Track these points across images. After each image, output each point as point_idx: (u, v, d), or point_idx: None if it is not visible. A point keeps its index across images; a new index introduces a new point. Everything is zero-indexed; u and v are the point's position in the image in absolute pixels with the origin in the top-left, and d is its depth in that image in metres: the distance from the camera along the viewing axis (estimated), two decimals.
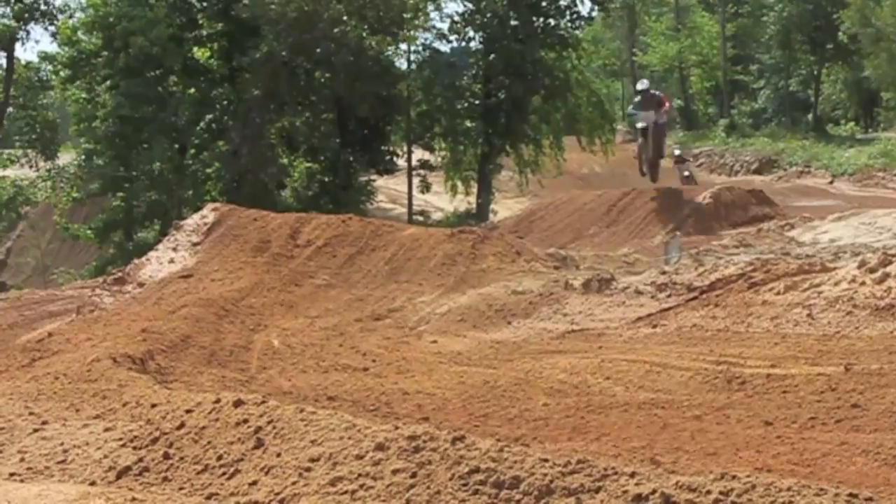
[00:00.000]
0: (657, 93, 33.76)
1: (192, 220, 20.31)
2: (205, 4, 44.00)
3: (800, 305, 12.92)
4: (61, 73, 44.77)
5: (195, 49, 43.35)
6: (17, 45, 46.57)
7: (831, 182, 47.99)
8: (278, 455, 5.65)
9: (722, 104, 70.60)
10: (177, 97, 42.72)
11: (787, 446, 7.35)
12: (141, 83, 40.67)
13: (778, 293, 13.49)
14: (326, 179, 42.42)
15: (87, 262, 43.64)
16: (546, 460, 4.90)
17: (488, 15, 46.83)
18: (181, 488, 5.76)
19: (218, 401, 6.44)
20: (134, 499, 5.50)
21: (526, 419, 8.71)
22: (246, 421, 6.07)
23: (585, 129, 49.93)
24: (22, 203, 48.11)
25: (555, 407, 9.12)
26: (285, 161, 43.77)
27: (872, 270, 13.02)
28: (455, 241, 18.67)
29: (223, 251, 18.65)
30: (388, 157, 46.36)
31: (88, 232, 42.81)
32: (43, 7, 46.35)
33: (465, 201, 47.20)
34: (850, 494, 4.43)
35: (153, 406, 7.11)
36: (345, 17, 41.64)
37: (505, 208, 45.27)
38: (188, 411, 6.50)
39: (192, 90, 43.02)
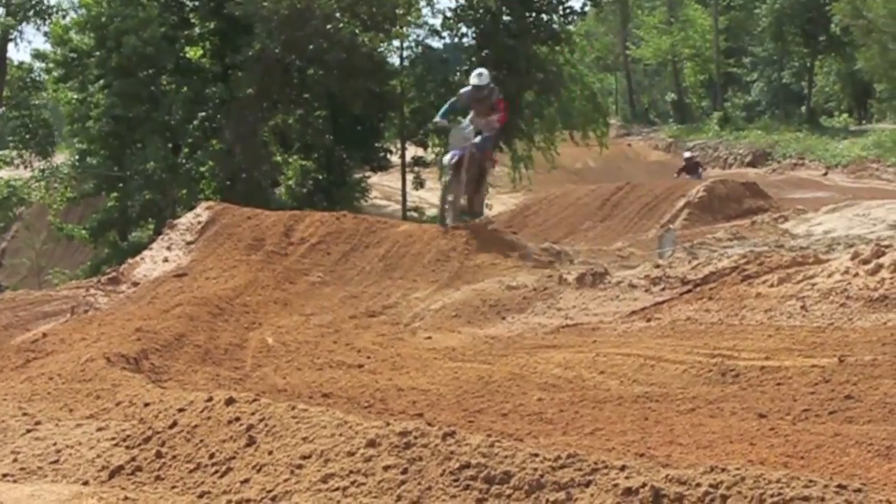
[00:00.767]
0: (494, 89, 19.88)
1: (186, 219, 20.29)
2: (197, 3, 44.03)
3: (793, 297, 12.94)
4: (53, 74, 44.76)
5: (187, 48, 43.34)
6: (10, 46, 46.54)
7: (825, 174, 48.05)
8: (270, 453, 5.65)
9: (715, 97, 70.68)
10: (170, 96, 42.71)
11: (781, 438, 7.35)
12: (134, 82, 40.71)
13: (772, 285, 13.50)
14: (320, 177, 42.43)
15: (82, 263, 43.66)
16: (536, 455, 4.90)
17: (480, 10, 46.86)
18: (174, 487, 5.76)
19: (210, 399, 6.44)
20: (126, 498, 5.50)
21: (520, 414, 8.70)
22: (238, 419, 6.07)
23: (579, 124, 49.94)
24: (16, 204, 48.03)
25: (549, 402, 9.12)
26: (279, 159, 43.79)
27: (866, 262, 13.03)
28: (449, 237, 18.67)
29: (217, 250, 18.63)
30: (381, 154, 46.41)
31: (83, 232, 42.82)
32: (36, 6, 46.31)
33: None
34: (839, 486, 4.43)
35: (146, 405, 7.10)
36: (337, 14, 41.66)
37: (499, 203, 45.26)
38: (180, 410, 6.50)
39: (185, 89, 43.01)
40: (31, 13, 47.01)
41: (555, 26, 47.76)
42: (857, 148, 49.36)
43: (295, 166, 43.19)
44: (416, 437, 5.30)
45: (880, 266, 12.78)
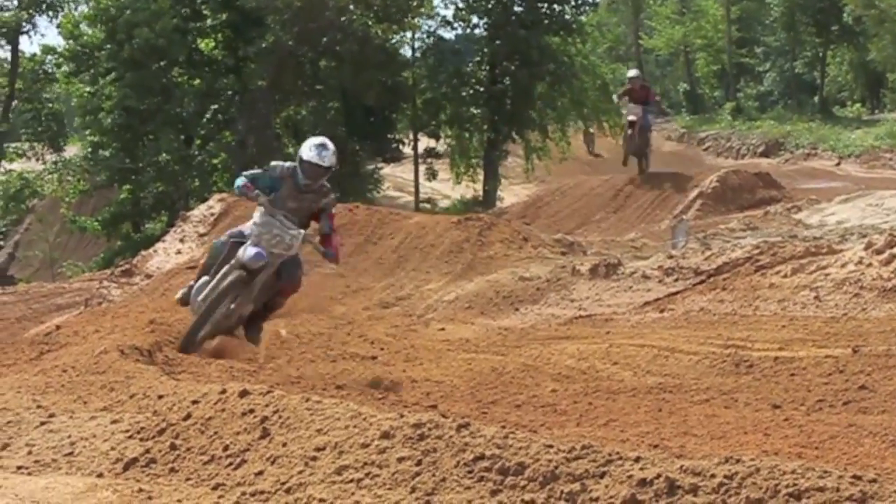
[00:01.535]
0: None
1: (199, 211, 20.35)
2: None
3: (807, 288, 12.93)
4: (64, 67, 44.81)
5: (200, 40, 43.31)
6: (23, 38, 46.61)
7: (838, 164, 47.81)
8: (284, 444, 5.66)
9: (728, 87, 70.36)
10: (182, 88, 42.72)
11: (795, 429, 7.35)
12: (146, 75, 40.71)
13: (785, 276, 13.49)
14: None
15: (95, 255, 43.66)
16: (551, 446, 4.90)
17: (492, 1, 46.73)
18: (188, 479, 5.77)
19: (224, 391, 6.44)
20: (141, 490, 5.51)
21: (534, 405, 8.71)
22: (252, 411, 6.07)
23: (592, 115, 49.80)
24: (29, 196, 48.06)
25: (563, 393, 9.13)
26: (291, 151, 43.76)
27: (879, 252, 13.01)
28: (462, 228, 18.66)
29: None
30: (394, 146, 46.41)
31: (96, 224, 42.85)
32: None
33: (471, 188, 47.13)
34: (854, 476, 4.43)
35: (160, 397, 7.12)
36: (351, 6, 41.63)
37: (512, 194, 45.21)
38: (194, 402, 6.51)
39: (198, 81, 43.01)
40: (44, 6, 47.08)
41: (567, 17, 47.63)
42: (870, 138, 49.10)
43: None
44: (430, 429, 5.30)
45: (894, 256, 12.76)
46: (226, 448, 5.87)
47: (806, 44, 66.47)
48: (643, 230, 25.27)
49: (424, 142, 48.39)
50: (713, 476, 4.47)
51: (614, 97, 37.74)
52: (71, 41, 44.01)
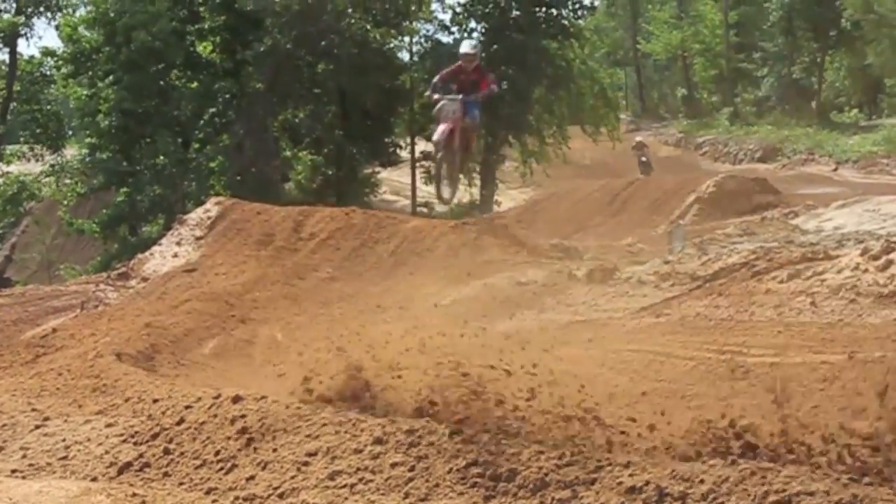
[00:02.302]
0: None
1: (196, 214, 20.30)
2: None
3: (803, 294, 12.90)
4: (62, 70, 44.81)
5: (197, 43, 43.31)
6: (21, 41, 46.58)
7: (835, 169, 47.85)
8: (275, 450, 5.66)
9: (725, 92, 70.37)
10: (179, 91, 42.73)
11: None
12: (143, 77, 40.73)
13: (781, 281, 13.46)
14: (330, 172, 42.42)
15: (92, 258, 43.64)
16: (542, 453, 4.91)
17: (490, 5, 46.76)
18: (181, 483, 5.77)
19: (217, 396, 6.45)
20: (135, 494, 5.51)
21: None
22: (244, 416, 6.08)
23: (589, 119, 49.82)
24: (26, 198, 48.03)
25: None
26: (289, 154, 43.78)
27: (876, 258, 12.99)
28: (458, 232, 18.65)
29: (227, 245, 18.64)
30: (391, 149, 46.37)
31: (93, 227, 42.84)
32: (46, 1, 46.39)
33: (468, 192, 47.11)
34: (848, 480, 4.43)
35: (154, 401, 7.13)
36: (349, 10, 41.64)
37: (509, 199, 45.20)
38: (188, 407, 6.51)
39: (195, 84, 43.02)
40: (42, 8, 47.05)
41: (564, 21, 47.69)
42: (867, 143, 49.11)
43: (305, 161, 43.19)
44: (423, 435, 5.30)
45: (890, 262, 12.74)
46: (217, 453, 5.87)
47: (804, 49, 66.48)
48: (640, 235, 25.27)
49: (422, 145, 48.34)
50: (702, 482, 4.47)
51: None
52: (69, 45, 44.01)
